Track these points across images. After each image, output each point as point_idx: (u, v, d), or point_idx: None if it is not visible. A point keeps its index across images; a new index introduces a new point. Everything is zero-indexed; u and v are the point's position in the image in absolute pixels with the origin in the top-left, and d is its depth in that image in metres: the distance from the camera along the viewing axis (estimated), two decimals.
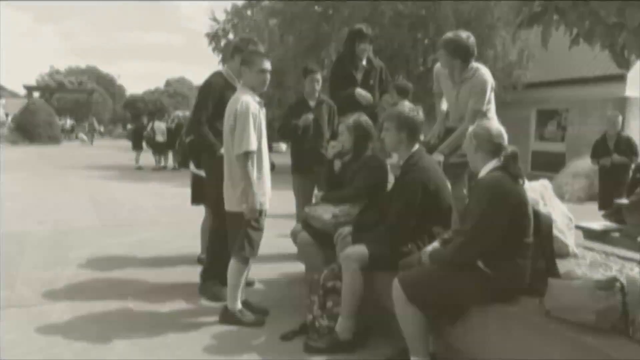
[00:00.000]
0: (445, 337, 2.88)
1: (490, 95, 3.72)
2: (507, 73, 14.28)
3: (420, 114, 3.15)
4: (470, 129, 2.77)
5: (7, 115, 33.83)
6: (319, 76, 4.66)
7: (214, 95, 4.00)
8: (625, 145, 6.99)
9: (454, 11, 13.14)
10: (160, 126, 16.10)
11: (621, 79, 13.07)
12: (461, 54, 3.62)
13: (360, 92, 4.47)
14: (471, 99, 3.66)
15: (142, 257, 5.34)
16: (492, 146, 2.64)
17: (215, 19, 18.63)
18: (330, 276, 3.31)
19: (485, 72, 3.71)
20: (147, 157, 16.33)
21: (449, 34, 3.73)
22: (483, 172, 2.66)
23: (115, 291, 4.21)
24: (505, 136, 2.68)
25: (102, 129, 44.13)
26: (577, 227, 4.16)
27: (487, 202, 2.50)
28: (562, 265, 3.51)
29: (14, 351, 3.08)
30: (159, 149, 16.08)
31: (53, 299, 4.00)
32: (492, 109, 3.80)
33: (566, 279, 2.64)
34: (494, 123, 2.83)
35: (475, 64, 3.73)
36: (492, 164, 2.63)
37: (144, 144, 16.53)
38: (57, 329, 3.42)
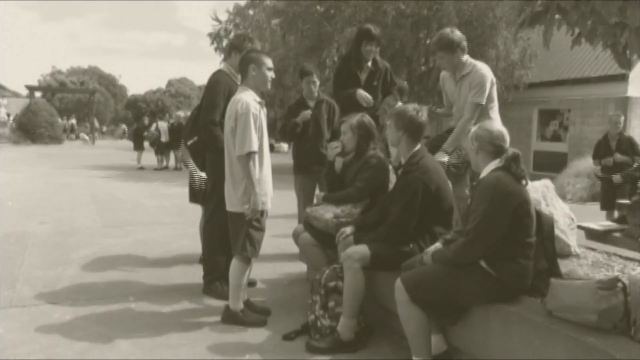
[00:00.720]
0: (446, 337, 2.88)
1: (491, 91, 3.75)
2: (509, 73, 14.29)
3: (423, 115, 3.13)
4: (473, 130, 2.77)
5: (8, 115, 33.88)
6: (315, 78, 4.71)
7: (223, 94, 3.94)
8: (627, 145, 7.00)
9: (456, 11, 13.14)
10: (163, 126, 16.13)
11: (623, 78, 13.07)
12: (456, 45, 3.70)
13: (361, 93, 4.47)
14: (470, 92, 3.70)
15: (144, 257, 5.34)
16: (493, 148, 2.64)
17: (217, 19, 18.65)
18: (332, 276, 3.32)
19: (483, 66, 3.78)
20: (149, 158, 16.33)
21: (434, 39, 3.85)
22: (485, 172, 2.66)
23: (117, 291, 4.21)
24: (507, 137, 2.68)
25: (104, 128, 44.27)
26: (579, 227, 4.16)
27: (489, 201, 2.49)
28: (564, 265, 3.51)
29: (15, 350, 3.09)
30: (161, 149, 16.08)
31: (54, 299, 3.99)
32: (495, 109, 3.81)
33: (568, 279, 2.64)
34: (496, 124, 2.82)
35: (473, 61, 3.78)
36: (494, 164, 2.64)
37: (147, 144, 16.53)
38: (58, 329, 3.42)
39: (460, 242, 2.58)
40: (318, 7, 14.63)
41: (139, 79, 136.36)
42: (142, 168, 15.65)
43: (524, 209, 2.52)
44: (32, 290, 4.17)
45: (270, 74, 3.52)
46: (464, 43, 3.74)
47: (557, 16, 2.89)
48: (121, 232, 6.47)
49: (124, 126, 42.36)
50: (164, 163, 16.17)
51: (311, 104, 4.74)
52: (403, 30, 13.14)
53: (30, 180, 11.72)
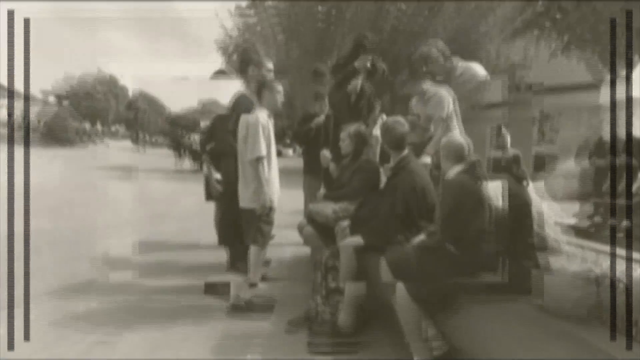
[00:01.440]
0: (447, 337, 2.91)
1: (451, 108, 4.25)
2: (509, 74, 14.41)
3: (400, 128, 3.56)
4: (442, 140, 3.30)
5: (39, 121, 33.66)
6: (327, 100, 5.07)
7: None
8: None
9: (443, 28, 13.39)
10: (195, 138, 19.38)
11: (614, 84, 13.07)
12: (419, 68, 4.35)
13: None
14: (433, 110, 4.24)
15: (147, 257, 5.35)
16: (455, 155, 3.13)
17: (223, 27, 18.56)
18: (331, 257, 3.71)
19: (441, 90, 4.28)
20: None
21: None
22: (449, 174, 3.12)
23: (119, 291, 4.25)
24: (467, 147, 3.14)
25: (152, 139, 42.02)
26: (567, 225, 4.35)
27: (452, 198, 2.98)
28: (553, 262, 3.67)
29: (17, 350, 3.00)
30: (194, 156, 19.28)
31: (56, 299, 4.00)
32: (455, 123, 4.27)
33: (558, 275, 2.80)
34: (457, 137, 3.29)
35: (434, 89, 4.29)
36: (457, 168, 3.08)
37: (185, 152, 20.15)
38: (60, 329, 3.45)
39: (432, 232, 3.09)
40: (319, 7, 14.78)
41: (140, 79, 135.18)
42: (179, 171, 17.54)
43: (480, 203, 2.92)
44: (34, 290, 4.07)
45: (281, 97, 4.05)
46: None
47: (558, 15, 3.02)
48: (126, 231, 6.46)
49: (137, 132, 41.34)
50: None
51: (318, 106, 5.06)
52: (397, 46, 13.31)
53: (48, 180, 11.60)
